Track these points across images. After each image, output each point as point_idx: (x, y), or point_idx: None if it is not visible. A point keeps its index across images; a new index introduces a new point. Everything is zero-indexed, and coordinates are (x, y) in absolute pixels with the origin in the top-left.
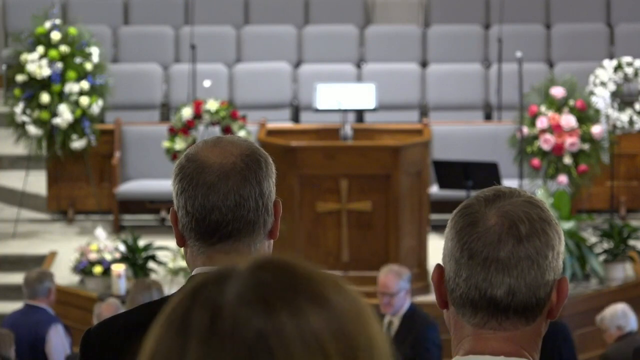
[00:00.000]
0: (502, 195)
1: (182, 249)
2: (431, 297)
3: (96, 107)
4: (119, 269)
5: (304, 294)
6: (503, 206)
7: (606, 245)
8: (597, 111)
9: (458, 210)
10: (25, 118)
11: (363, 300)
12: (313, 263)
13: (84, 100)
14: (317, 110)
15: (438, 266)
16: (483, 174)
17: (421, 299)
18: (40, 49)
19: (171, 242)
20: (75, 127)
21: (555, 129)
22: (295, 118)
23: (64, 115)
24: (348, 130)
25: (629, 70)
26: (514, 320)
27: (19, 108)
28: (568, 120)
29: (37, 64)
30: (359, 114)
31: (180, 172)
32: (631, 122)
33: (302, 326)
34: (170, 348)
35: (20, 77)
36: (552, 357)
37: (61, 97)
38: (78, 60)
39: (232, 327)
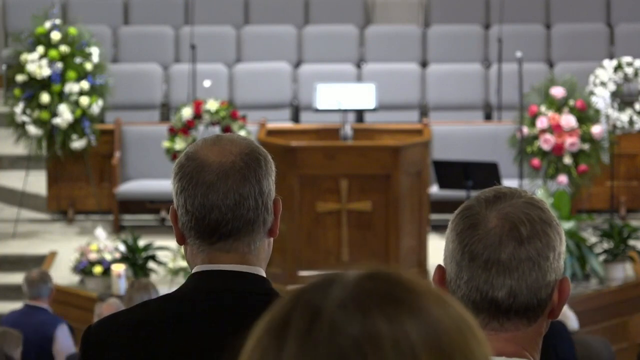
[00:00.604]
0: (503, 197)
1: (182, 247)
2: None
3: (96, 107)
4: (119, 269)
5: (404, 303)
6: (503, 208)
7: (606, 245)
8: (597, 111)
9: (458, 212)
10: (25, 118)
11: (469, 317)
12: (420, 276)
13: (84, 100)
14: (317, 110)
15: (439, 267)
16: (483, 174)
17: None
18: (40, 49)
19: (171, 242)
20: (75, 127)
21: (555, 129)
22: (295, 118)
23: (64, 115)
24: (348, 130)
25: (629, 70)
26: (515, 321)
27: (19, 108)
28: (568, 120)
29: (37, 64)
30: (359, 114)
31: (180, 170)
32: (631, 122)
33: (398, 335)
34: (267, 348)
35: (20, 77)
36: (548, 356)
37: (61, 97)
38: (78, 60)
39: (329, 331)
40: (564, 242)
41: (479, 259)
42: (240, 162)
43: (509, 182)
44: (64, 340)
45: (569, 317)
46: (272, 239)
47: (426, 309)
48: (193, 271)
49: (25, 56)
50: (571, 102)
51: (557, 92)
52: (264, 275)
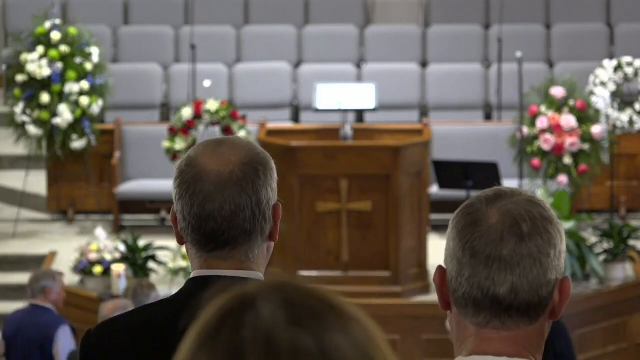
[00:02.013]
0: (504, 195)
1: (184, 246)
2: (431, 297)
3: (96, 107)
4: (119, 269)
5: (339, 310)
6: (505, 205)
7: (606, 245)
8: (597, 111)
9: (460, 210)
10: (25, 118)
11: (379, 333)
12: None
13: (84, 100)
14: (317, 110)
15: (440, 268)
16: (483, 174)
17: (421, 298)
18: (40, 49)
19: (171, 242)
20: (75, 127)
21: (555, 129)
22: (295, 118)
23: (64, 115)
24: (348, 130)
25: (629, 70)
26: (516, 320)
27: (19, 108)
28: (568, 120)
29: (37, 64)
30: (359, 114)
31: (179, 176)
32: (631, 122)
33: (352, 341)
34: None
35: (20, 77)
36: (546, 352)
37: (61, 97)
38: (78, 60)
39: (292, 349)
40: (565, 241)
41: (481, 255)
42: (239, 172)
43: (509, 182)
44: (65, 342)
45: None
46: (272, 244)
47: (350, 312)
48: (191, 276)
49: (25, 56)
50: (571, 102)
51: (557, 92)
52: (263, 279)
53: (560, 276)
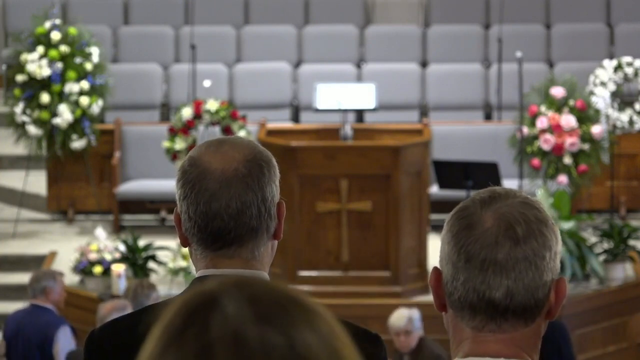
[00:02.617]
0: (498, 197)
1: (188, 248)
2: (431, 297)
3: (96, 107)
4: (119, 269)
5: (304, 306)
6: (499, 208)
7: (606, 245)
8: (597, 111)
9: (454, 213)
10: (25, 118)
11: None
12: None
13: (84, 100)
14: (317, 110)
15: (435, 269)
16: (483, 174)
17: (421, 299)
18: (40, 49)
19: (171, 242)
20: (75, 127)
21: (555, 129)
22: (295, 118)
23: (64, 115)
24: (348, 130)
25: (629, 70)
26: (513, 322)
27: (19, 108)
28: (568, 120)
29: (37, 64)
30: (359, 114)
31: (183, 176)
32: (631, 122)
33: (320, 336)
34: None
35: (20, 77)
36: (551, 357)
37: (61, 97)
38: (78, 60)
39: (261, 345)
40: (560, 242)
41: (476, 259)
42: (243, 169)
43: (509, 182)
44: (65, 342)
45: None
46: (276, 242)
47: (314, 307)
48: (197, 275)
49: (25, 56)
50: (571, 102)
51: (557, 92)
52: (268, 278)
53: (556, 277)
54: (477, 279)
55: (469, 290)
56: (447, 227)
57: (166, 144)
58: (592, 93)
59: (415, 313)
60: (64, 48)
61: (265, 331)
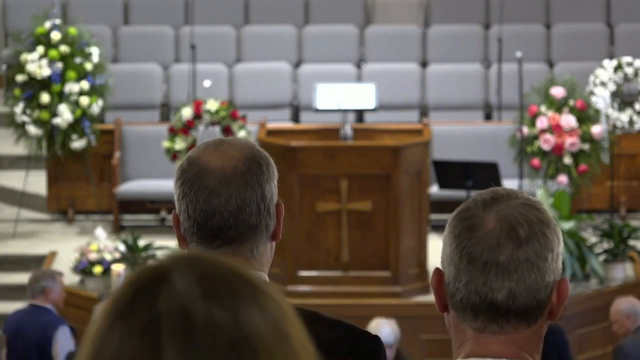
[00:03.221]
0: (500, 198)
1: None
2: (431, 297)
3: (96, 107)
4: (119, 269)
5: (255, 285)
6: (501, 209)
7: (606, 245)
8: (597, 111)
9: (456, 214)
10: (25, 118)
11: (291, 311)
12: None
13: (84, 100)
14: (317, 110)
15: (437, 270)
16: (483, 174)
17: (421, 299)
18: (40, 49)
19: (171, 242)
20: (75, 127)
21: (555, 129)
22: (295, 118)
23: (64, 115)
24: (348, 130)
25: (629, 70)
26: (515, 324)
27: (19, 108)
28: (568, 120)
29: (37, 64)
30: (359, 114)
31: (181, 175)
32: (631, 122)
33: (267, 316)
34: (137, 348)
35: (20, 77)
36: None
37: (61, 97)
38: (78, 60)
39: (207, 322)
40: (562, 243)
41: (478, 261)
42: (242, 166)
43: (509, 182)
44: (64, 342)
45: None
46: (274, 243)
47: (263, 286)
48: None
49: (25, 56)
50: (571, 102)
51: (557, 92)
52: (267, 279)
53: (558, 278)
54: (479, 280)
55: (471, 291)
56: (449, 228)
57: (166, 144)
58: (592, 93)
59: (394, 325)
60: (64, 48)
61: (211, 308)
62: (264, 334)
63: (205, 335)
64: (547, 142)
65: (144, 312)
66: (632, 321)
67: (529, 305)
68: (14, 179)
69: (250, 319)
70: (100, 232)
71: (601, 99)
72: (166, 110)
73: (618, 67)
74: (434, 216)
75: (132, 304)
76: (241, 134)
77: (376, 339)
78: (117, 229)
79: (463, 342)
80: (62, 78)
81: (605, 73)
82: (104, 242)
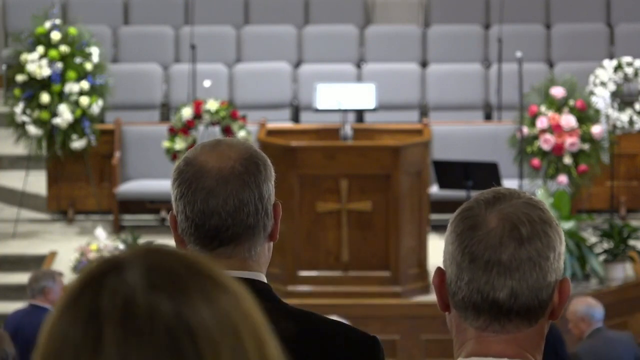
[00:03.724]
0: (502, 197)
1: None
2: (431, 297)
3: (96, 107)
4: None
5: (208, 278)
6: (503, 208)
7: (606, 245)
8: (597, 111)
9: (458, 213)
10: (25, 118)
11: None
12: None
13: (84, 100)
14: (317, 110)
15: (439, 269)
16: (483, 174)
17: (421, 299)
18: (40, 49)
19: (171, 242)
20: (75, 127)
21: (555, 129)
22: (295, 118)
23: (64, 115)
24: (348, 130)
25: (629, 70)
26: (516, 323)
27: (19, 108)
28: (568, 120)
29: (37, 64)
30: (359, 114)
31: (179, 176)
32: (631, 122)
33: (215, 308)
34: (80, 337)
35: (20, 77)
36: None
37: (61, 97)
38: (78, 60)
39: (149, 313)
40: (564, 243)
41: (480, 260)
42: (240, 167)
43: (509, 182)
44: None
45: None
46: (272, 243)
47: (224, 280)
48: None
49: (25, 56)
50: (571, 102)
51: (557, 92)
52: (265, 280)
53: (560, 277)
54: (481, 279)
55: (473, 290)
56: (451, 227)
57: (166, 144)
58: (592, 93)
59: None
60: (64, 48)
61: (154, 299)
62: (208, 326)
63: (145, 325)
64: (547, 142)
65: (88, 302)
66: (586, 324)
67: (531, 305)
68: (14, 179)
69: (195, 311)
70: (100, 232)
71: (601, 99)
72: (166, 110)
73: (618, 67)
74: (434, 216)
75: (79, 294)
76: (241, 134)
77: (375, 340)
78: (117, 229)
79: (464, 342)
80: (62, 78)
81: (605, 73)
82: (104, 242)
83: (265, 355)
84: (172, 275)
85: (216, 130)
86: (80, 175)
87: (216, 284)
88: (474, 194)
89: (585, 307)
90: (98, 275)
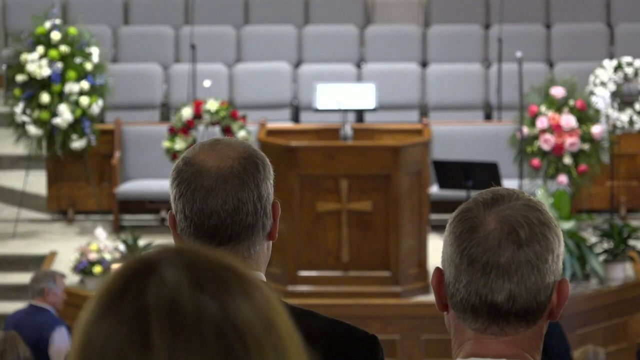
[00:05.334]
0: (501, 199)
1: None
2: (431, 297)
3: (96, 107)
4: None
5: (242, 275)
6: (502, 210)
7: (606, 245)
8: (597, 111)
9: (456, 214)
10: (25, 118)
11: (280, 307)
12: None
13: (84, 100)
14: (317, 110)
15: (437, 270)
16: (483, 174)
17: (421, 299)
18: (40, 49)
19: (171, 242)
20: (75, 127)
21: (555, 129)
22: (295, 118)
23: (64, 115)
24: (348, 130)
25: (629, 70)
26: (515, 325)
27: (19, 108)
28: (568, 120)
29: (37, 64)
30: (359, 114)
31: (177, 176)
32: (631, 122)
33: (254, 305)
34: (127, 337)
35: (20, 77)
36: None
37: (61, 97)
38: (78, 60)
39: (195, 311)
40: (562, 244)
41: (478, 262)
42: (239, 166)
43: (509, 182)
44: (60, 343)
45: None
46: (271, 242)
47: (252, 278)
48: None
49: (25, 56)
50: (571, 102)
51: (557, 92)
52: (264, 279)
53: (558, 278)
54: (479, 282)
55: (471, 293)
56: (449, 228)
57: (166, 144)
58: (592, 93)
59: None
60: (64, 48)
61: (199, 298)
62: (251, 323)
63: (193, 324)
64: (547, 142)
65: (133, 302)
66: None
67: (529, 307)
68: (14, 179)
69: (238, 308)
70: (100, 232)
71: (601, 99)
72: (166, 110)
73: (618, 67)
74: (434, 216)
75: (120, 294)
76: (241, 134)
77: (374, 338)
78: (117, 229)
79: (463, 342)
80: (62, 78)
81: (605, 73)
82: (103, 242)
83: (298, 351)
84: (212, 274)
85: (216, 130)
86: (80, 175)
87: (250, 281)
88: (474, 194)
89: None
90: (136, 275)
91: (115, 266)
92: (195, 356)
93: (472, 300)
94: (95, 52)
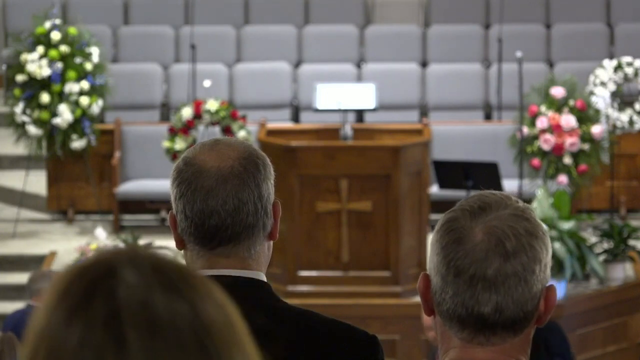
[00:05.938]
0: (488, 207)
1: (183, 251)
2: None
3: (96, 107)
4: None
5: (197, 277)
6: (489, 221)
7: (606, 245)
8: (597, 111)
9: (443, 223)
10: (25, 118)
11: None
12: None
13: (84, 100)
14: (317, 110)
15: (424, 276)
16: (483, 174)
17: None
18: (40, 49)
19: (171, 242)
20: (75, 127)
21: (555, 129)
22: (295, 118)
23: (64, 115)
24: (348, 130)
25: (629, 70)
26: (502, 335)
27: (19, 108)
28: (568, 120)
29: (37, 64)
30: (359, 114)
31: (178, 176)
32: (631, 122)
33: (216, 305)
34: (101, 341)
35: (20, 77)
36: (538, 351)
37: (61, 97)
38: (78, 60)
39: (168, 312)
40: (550, 251)
41: (465, 274)
42: (239, 166)
43: (509, 182)
44: None
45: None
46: (271, 242)
47: (212, 289)
48: None
49: (25, 56)
50: (571, 102)
51: (557, 92)
52: (265, 279)
53: (546, 284)
54: (465, 293)
55: (458, 304)
56: (436, 236)
57: (166, 144)
58: (592, 93)
59: None
60: (64, 48)
61: (171, 299)
62: (217, 322)
63: (168, 325)
64: (547, 142)
65: (103, 304)
66: None
67: (516, 317)
68: (14, 179)
69: (205, 309)
70: (100, 232)
71: (601, 99)
72: (166, 110)
73: (618, 67)
74: (434, 216)
75: (88, 297)
76: (241, 134)
77: (374, 338)
78: (117, 229)
79: (449, 349)
80: (62, 78)
81: (605, 73)
82: (104, 242)
83: (252, 348)
84: (177, 275)
85: (216, 130)
86: (80, 175)
87: (205, 282)
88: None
89: None
90: (99, 278)
91: (61, 269)
92: (174, 357)
93: (459, 311)
94: (95, 52)
